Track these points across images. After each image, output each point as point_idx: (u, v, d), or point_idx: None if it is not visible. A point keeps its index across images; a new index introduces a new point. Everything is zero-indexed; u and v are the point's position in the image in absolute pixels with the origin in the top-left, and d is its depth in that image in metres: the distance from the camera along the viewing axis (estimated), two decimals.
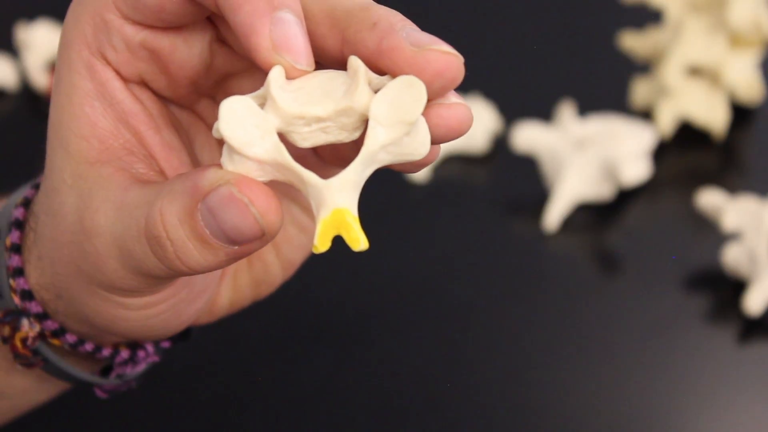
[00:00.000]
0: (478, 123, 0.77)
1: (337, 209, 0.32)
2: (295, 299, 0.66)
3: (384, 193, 0.75)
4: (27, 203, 0.39)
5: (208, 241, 0.32)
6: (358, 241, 0.32)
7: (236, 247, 0.33)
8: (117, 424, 0.62)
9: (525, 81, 0.84)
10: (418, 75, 0.31)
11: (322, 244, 0.32)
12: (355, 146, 0.32)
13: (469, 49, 0.96)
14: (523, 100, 0.80)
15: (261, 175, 0.32)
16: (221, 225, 0.32)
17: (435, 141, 0.33)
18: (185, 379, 0.64)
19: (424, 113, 0.32)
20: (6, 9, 0.90)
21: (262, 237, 0.32)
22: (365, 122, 0.32)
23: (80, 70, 0.35)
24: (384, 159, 0.32)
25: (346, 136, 0.32)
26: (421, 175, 0.76)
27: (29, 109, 0.80)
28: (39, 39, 0.83)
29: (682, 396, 0.64)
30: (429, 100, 0.32)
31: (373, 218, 0.75)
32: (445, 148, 0.77)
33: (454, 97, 0.33)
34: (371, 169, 0.32)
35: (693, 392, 0.64)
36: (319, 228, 0.32)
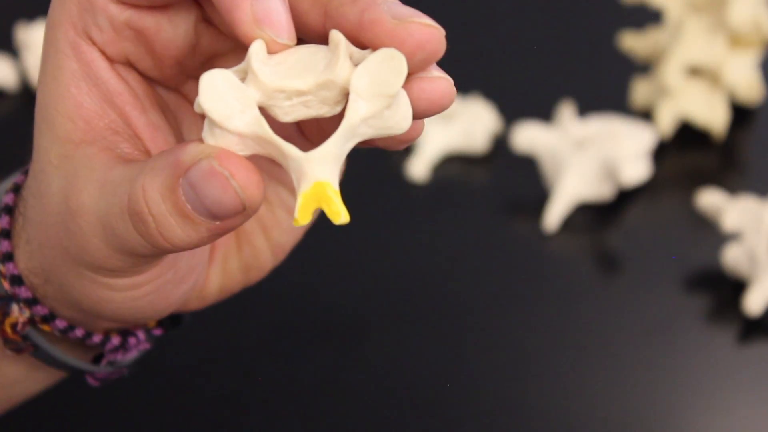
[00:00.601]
0: (478, 123, 0.77)
1: (317, 182, 0.32)
2: (295, 299, 0.66)
3: (384, 193, 0.75)
4: (17, 188, 0.39)
5: (189, 216, 0.32)
6: (339, 214, 0.32)
7: (218, 222, 0.32)
8: (117, 424, 0.62)
9: (525, 81, 0.84)
10: (399, 48, 0.31)
11: (302, 217, 0.32)
12: (339, 122, 0.32)
13: (470, 50, 0.96)
14: (523, 100, 0.80)
15: (242, 149, 0.32)
16: (202, 199, 0.32)
17: (417, 115, 0.32)
18: (186, 379, 0.64)
19: (406, 87, 0.32)
20: (6, 9, 0.90)
21: (244, 211, 0.32)
22: (346, 96, 0.32)
23: (66, 51, 0.35)
24: (365, 133, 0.32)
25: (327, 110, 0.32)
26: (421, 175, 0.76)
27: (29, 109, 0.80)
28: (39, 39, 0.83)
29: (682, 396, 0.64)
30: (411, 74, 0.32)
31: (374, 218, 0.75)
32: (446, 148, 0.77)
33: (436, 71, 0.33)
34: (352, 143, 0.32)
35: (693, 392, 0.64)
36: (300, 201, 0.32)
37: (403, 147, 0.34)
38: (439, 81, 0.32)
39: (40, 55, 0.37)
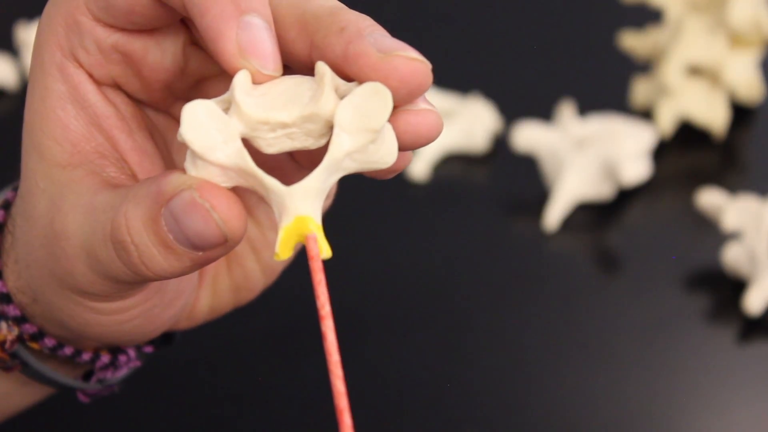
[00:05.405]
0: (478, 123, 0.77)
1: (299, 217, 0.31)
2: (295, 298, 0.66)
3: (384, 192, 0.75)
4: (7, 206, 0.39)
5: (171, 246, 0.32)
6: (321, 250, 0.31)
7: (200, 253, 0.32)
8: (116, 423, 0.62)
9: (525, 81, 0.84)
10: (384, 81, 0.31)
11: (283, 252, 0.32)
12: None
13: (470, 49, 0.95)
14: (523, 100, 0.80)
15: (224, 181, 0.32)
16: (184, 230, 0.32)
17: (403, 148, 0.32)
18: (185, 378, 0.64)
19: (392, 120, 0.31)
20: (6, 9, 0.90)
21: (225, 243, 0.32)
22: (331, 129, 0.31)
23: (53, 73, 0.35)
24: (350, 167, 0.32)
25: (312, 143, 0.32)
26: (421, 175, 0.76)
27: None
28: None
29: (682, 396, 0.64)
30: (396, 107, 0.31)
31: (373, 218, 0.75)
32: (445, 147, 0.77)
33: (423, 103, 0.32)
34: (336, 177, 0.32)
35: (693, 392, 0.64)
36: (281, 235, 0.31)
37: (390, 176, 0.33)
38: (426, 114, 0.32)
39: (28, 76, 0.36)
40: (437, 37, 0.83)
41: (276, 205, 0.32)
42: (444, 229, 0.74)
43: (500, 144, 0.78)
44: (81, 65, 0.35)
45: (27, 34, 0.84)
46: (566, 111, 0.75)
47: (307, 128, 0.32)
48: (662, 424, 0.62)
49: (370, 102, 0.31)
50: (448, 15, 0.89)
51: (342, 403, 0.30)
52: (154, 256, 0.32)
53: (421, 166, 0.76)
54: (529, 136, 0.73)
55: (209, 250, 0.32)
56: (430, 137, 0.32)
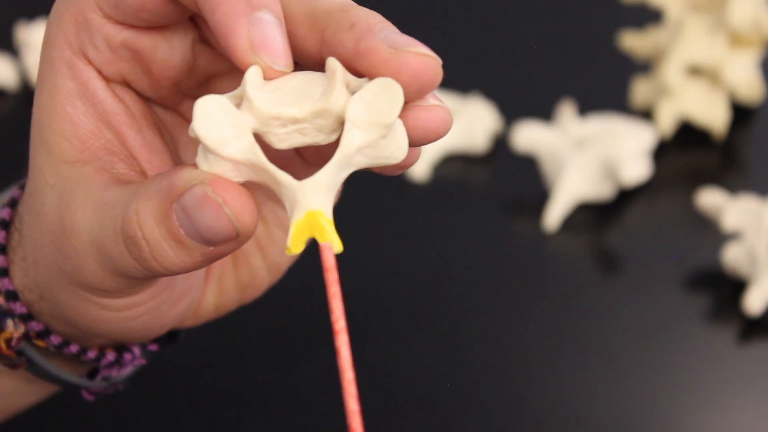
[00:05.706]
0: (478, 123, 0.77)
1: (310, 211, 0.31)
2: (295, 298, 0.66)
3: (384, 192, 0.75)
4: (13, 203, 0.39)
5: (183, 241, 0.32)
6: (332, 244, 0.32)
7: (211, 248, 0.32)
8: (116, 423, 0.62)
9: (525, 81, 0.84)
10: (395, 77, 0.31)
11: (295, 246, 0.32)
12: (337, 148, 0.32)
13: (469, 49, 0.96)
14: (523, 100, 0.80)
15: (236, 176, 0.32)
16: (196, 225, 0.32)
17: (413, 143, 0.32)
18: (186, 379, 0.64)
19: (402, 116, 0.32)
20: (6, 9, 0.90)
21: (237, 238, 0.32)
22: (342, 124, 0.32)
23: (62, 70, 0.35)
24: (361, 162, 0.32)
25: (323, 138, 0.32)
26: (421, 175, 0.76)
27: (29, 109, 0.80)
28: (39, 39, 0.83)
29: (682, 396, 0.64)
30: (407, 102, 0.32)
31: (374, 218, 0.75)
32: (446, 147, 0.77)
33: (432, 99, 0.32)
34: (347, 172, 0.32)
35: (693, 392, 0.64)
36: (293, 230, 0.32)
37: (399, 172, 0.33)
38: (436, 109, 0.32)
39: (37, 71, 0.36)
40: (437, 37, 0.83)
41: (287, 200, 0.32)
42: (444, 229, 0.74)
43: (500, 144, 0.78)
44: (90, 62, 0.35)
45: (27, 34, 0.84)
46: (566, 111, 0.75)
47: (318, 124, 0.32)
48: (662, 424, 0.62)
49: (381, 97, 0.31)
50: (448, 15, 0.89)
51: (355, 422, 0.30)
52: (165, 251, 0.32)
53: (421, 166, 0.76)
54: (529, 136, 0.73)
55: (220, 245, 0.32)
56: (440, 133, 0.32)
